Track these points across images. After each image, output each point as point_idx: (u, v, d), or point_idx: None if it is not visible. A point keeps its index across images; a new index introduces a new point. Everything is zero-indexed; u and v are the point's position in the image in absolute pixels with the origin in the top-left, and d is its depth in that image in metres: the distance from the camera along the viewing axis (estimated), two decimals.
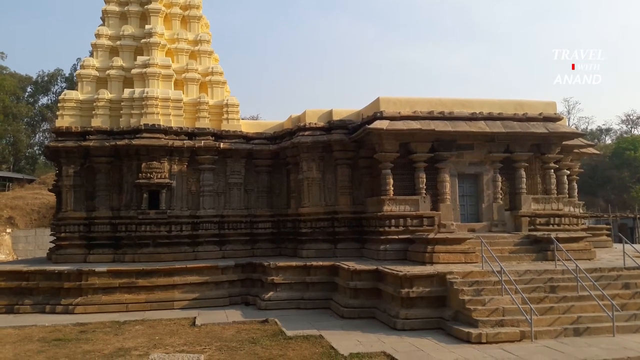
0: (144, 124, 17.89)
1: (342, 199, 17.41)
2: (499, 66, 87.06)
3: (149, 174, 17.51)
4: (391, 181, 15.78)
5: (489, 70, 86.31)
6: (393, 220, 15.34)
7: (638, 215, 34.37)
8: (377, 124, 15.30)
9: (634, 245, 16.07)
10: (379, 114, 15.83)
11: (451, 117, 16.08)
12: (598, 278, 12.18)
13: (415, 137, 15.69)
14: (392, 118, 15.69)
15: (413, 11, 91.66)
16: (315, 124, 17.70)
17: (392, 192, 15.71)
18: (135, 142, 17.51)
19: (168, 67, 19.20)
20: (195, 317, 13.45)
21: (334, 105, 18.51)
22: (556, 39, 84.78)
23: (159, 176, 17.60)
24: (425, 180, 15.88)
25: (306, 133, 17.52)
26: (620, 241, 15.16)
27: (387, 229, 15.31)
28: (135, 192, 17.80)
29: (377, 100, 16.36)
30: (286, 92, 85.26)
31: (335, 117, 17.76)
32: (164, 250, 17.42)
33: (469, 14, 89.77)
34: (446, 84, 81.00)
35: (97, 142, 17.76)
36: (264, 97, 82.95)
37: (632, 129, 59.27)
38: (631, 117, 59.18)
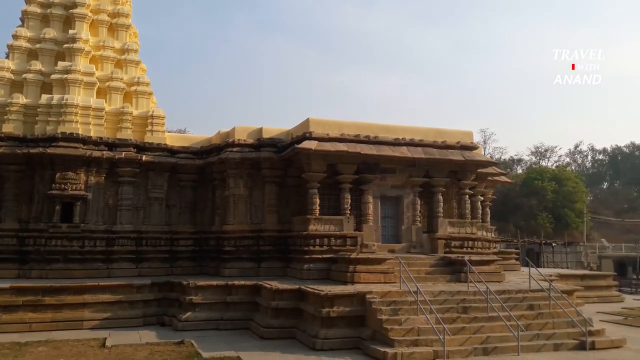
0: (61, 132, 16.98)
1: (269, 217, 17.33)
2: (424, 93, 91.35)
3: (63, 185, 16.55)
4: (317, 201, 15.97)
5: (414, 97, 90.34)
6: (318, 240, 15.48)
7: (543, 241, 37.01)
8: (306, 144, 15.50)
9: (539, 269, 17.24)
10: (308, 135, 16.05)
11: (376, 142, 16.62)
12: (506, 300, 12.91)
13: (342, 159, 16.04)
14: (320, 139, 15.96)
15: (345, 36, 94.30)
16: (245, 140, 17.61)
17: (318, 212, 15.89)
18: (50, 150, 16.53)
19: (91, 74, 18.40)
20: (105, 338, 12.70)
21: (264, 123, 18.39)
22: (478, 71, 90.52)
23: (74, 187, 16.67)
24: (350, 201, 16.23)
25: (235, 149, 17.37)
26: (527, 265, 16.18)
27: (311, 248, 15.41)
28: (47, 204, 16.72)
29: (307, 121, 16.60)
30: (216, 108, 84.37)
31: (265, 135, 17.78)
32: (76, 266, 16.43)
33: (399, 42, 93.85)
34: (373, 108, 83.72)
35: (7, 148, 16.61)
36: (193, 111, 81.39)
37: (540, 160, 64.19)
38: (540, 149, 64.24)
